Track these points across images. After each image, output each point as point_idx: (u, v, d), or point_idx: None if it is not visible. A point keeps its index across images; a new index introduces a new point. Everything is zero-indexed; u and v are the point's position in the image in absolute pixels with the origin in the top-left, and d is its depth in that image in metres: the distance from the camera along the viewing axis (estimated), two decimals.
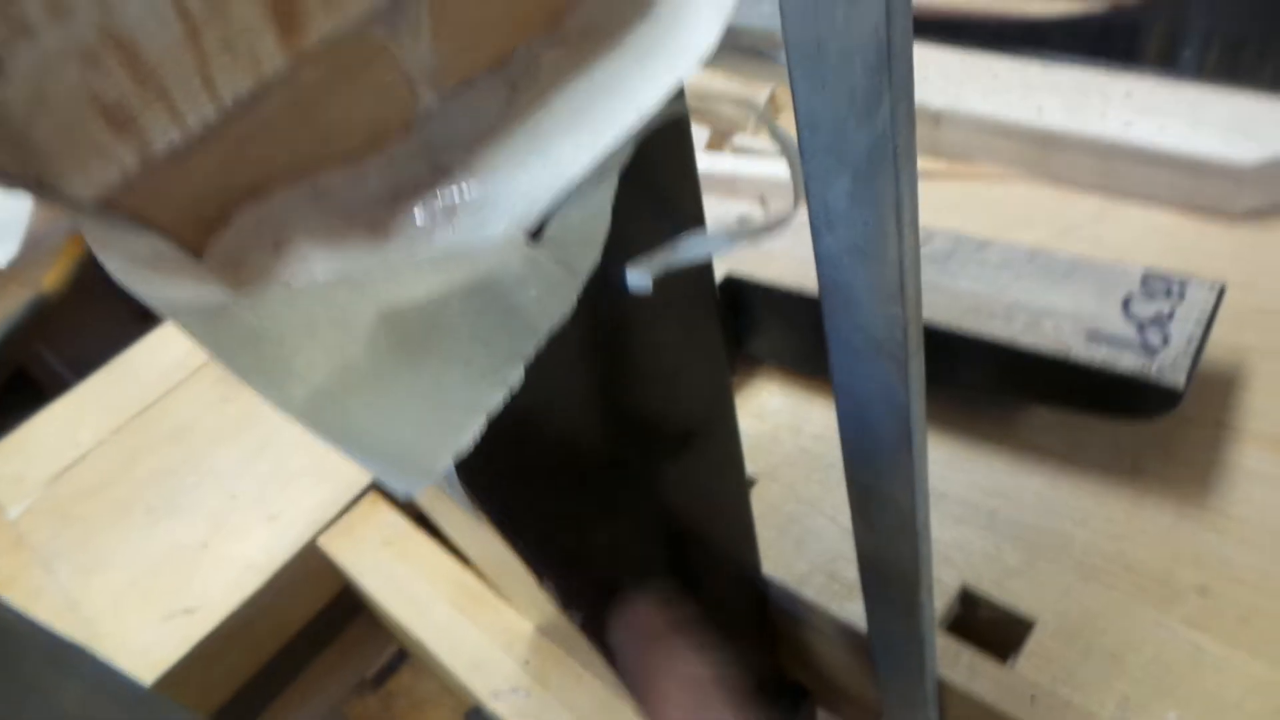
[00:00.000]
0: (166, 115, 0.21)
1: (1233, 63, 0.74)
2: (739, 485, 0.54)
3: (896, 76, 0.23)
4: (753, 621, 0.61)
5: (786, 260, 0.63)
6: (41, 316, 1.07)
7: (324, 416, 0.20)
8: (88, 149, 0.20)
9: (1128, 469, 0.55)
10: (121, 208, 0.21)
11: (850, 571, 0.56)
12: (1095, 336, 0.52)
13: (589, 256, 0.27)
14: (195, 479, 0.75)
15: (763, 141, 0.84)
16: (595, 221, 0.27)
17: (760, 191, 0.75)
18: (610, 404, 0.39)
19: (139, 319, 1.21)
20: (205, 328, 0.19)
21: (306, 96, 0.24)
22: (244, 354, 0.19)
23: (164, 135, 0.21)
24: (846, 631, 0.54)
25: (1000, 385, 0.56)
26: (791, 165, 0.32)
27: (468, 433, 0.22)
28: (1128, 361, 0.50)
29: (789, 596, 0.57)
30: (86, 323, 1.16)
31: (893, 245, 0.27)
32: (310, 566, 0.69)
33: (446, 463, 0.22)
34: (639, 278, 0.32)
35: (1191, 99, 0.69)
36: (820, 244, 0.29)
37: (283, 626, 0.70)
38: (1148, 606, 0.49)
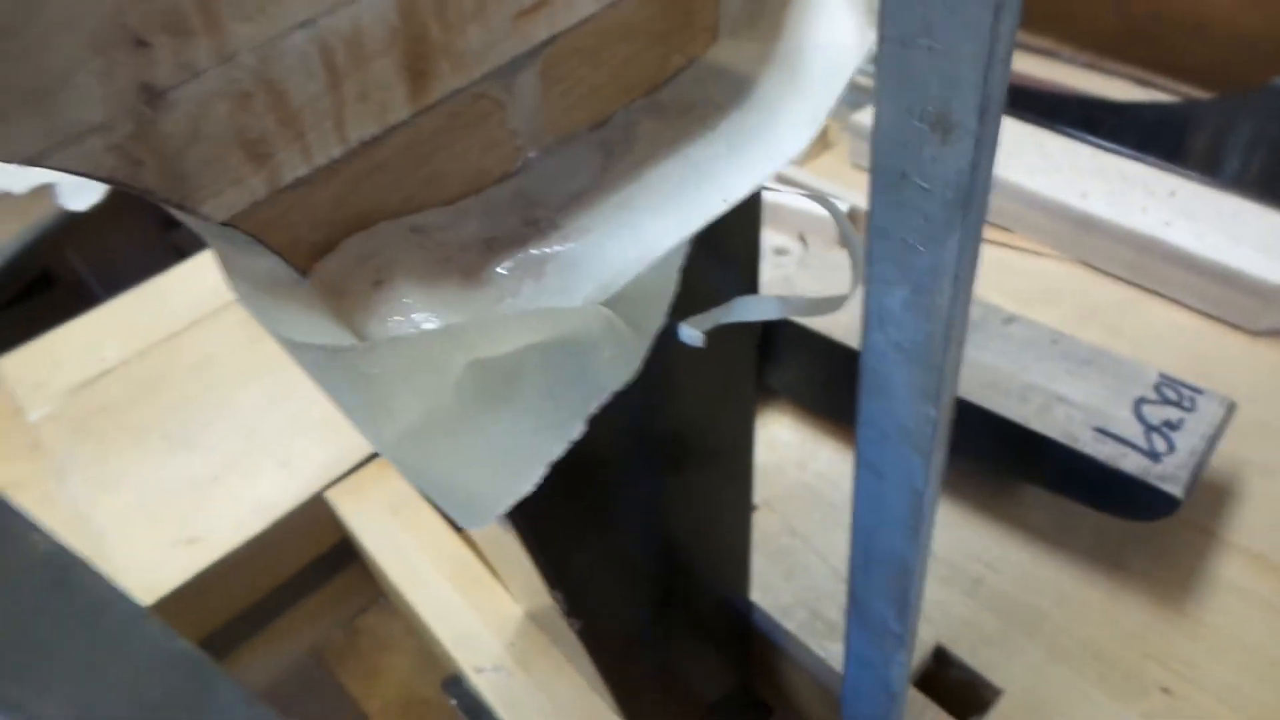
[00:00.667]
0: (299, 152, 0.23)
1: (1275, 177, 0.75)
2: (744, 512, 0.56)
3: (971, 215, 0.25)
4: (731, 638, 0.63)
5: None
6: (73, 222, 1.09)
7: (409, 454, 0.22)
8: (227, 178, 0.22)
9: (1112, 560, 0.57)
10: (244, 227, 0.23)
11: (833, 612, 0.58)
12: (1104, 432, 0.54)
13: (657, 317, 0.28)
14: (214, 414, 0.77)
15: (806, 174, 0.86)
16: (665, 283, 0.28)
17: (800, 227, 0.77)
18: (644, 434, 0.41)
19: (165, 232, 1.23)
20: (318, 365, 0.21)
21: (421, 142, 0.26)
22: (349, 393, 0.21)
23: (293, 170, 0.23)
24: (822, 669, 0.57)
25: (1004, 461, 0.58)
26: (852, 253, 0.34)
27: (530, 480, 0.24)
28: (1131, 462, 0.52)
29: (771, 624, 0.59)
30: (114, 233, 1.18)
31: (938, 354, 0.29)
32: (314, 516, 0.71)
33: (508, 505, 0.24)
34: (692, 334, 0.34)
35: (1232, 209, 0.70)
36: (869, 336, 0.31)
37: (279, 568, 0.72)
38: (1111, 697, 0.51)
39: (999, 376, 0.58)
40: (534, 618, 0.61)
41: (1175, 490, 0.50)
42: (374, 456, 0.73)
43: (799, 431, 0.68)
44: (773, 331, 0.66)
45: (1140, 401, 0.56)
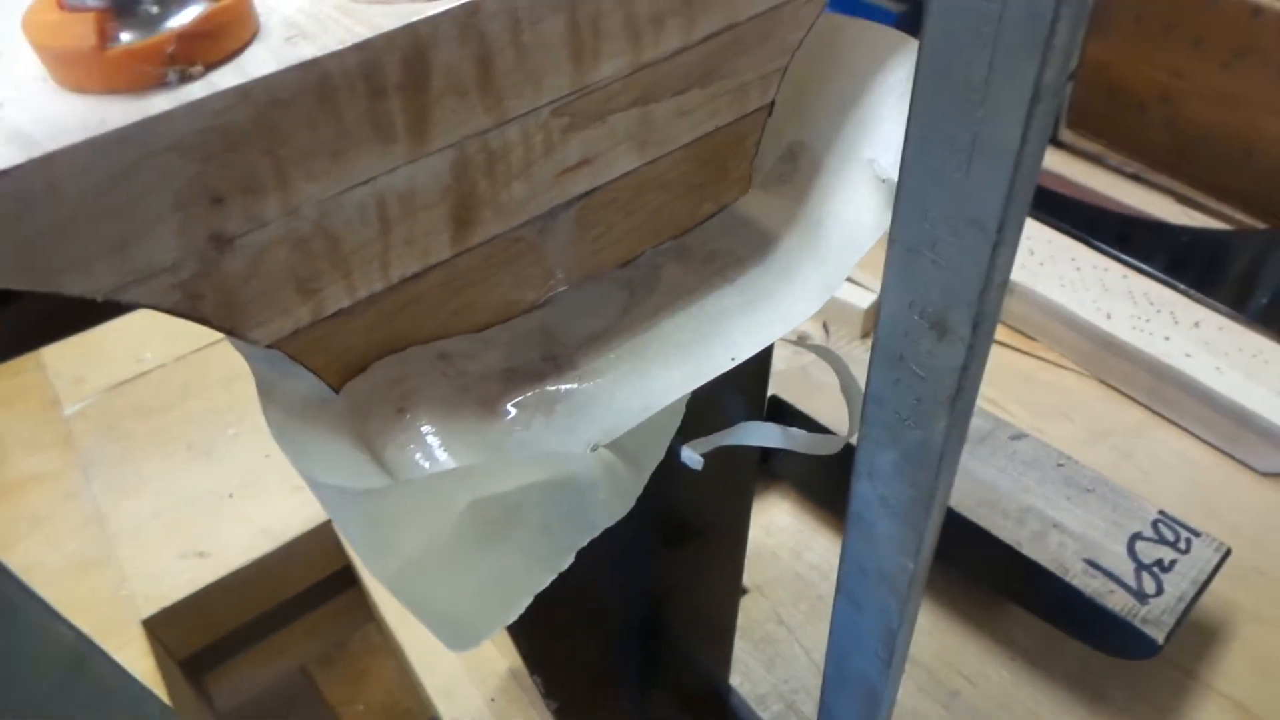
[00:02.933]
0: (344, 288, 0.25)
1: None
2: (733, 597, 0.58)
3: (959, 407, 0.26)
4: (710, 711, 0.64)
5: (829, 396, 0.66)
6: None
7: (405, 584, 0.24)
8: (277, 309, 0.24)
9: (1091, 690, 0.58)
10: (284, 349, 0.25)
11: (809, 706, 0.59)
12: (1095, 565, 0.55)
13: (656, 453, 0.30)
14: (236, 430, 0.80)
15: None
16: (668, 421, 0.30)
17: (824, 314, 0.78)
18: (637, 518, 0.42)
19: None
20: (332, 502, 0.23)
21: (457, 277, 0.28)
22: (358, 529, 0.23)
23: (337, 302, 0.25)
24: None
25: (992, 580, 0.59)
26: (849, 404, 0.35)
27: (516, 610, 0.26)
28: (1117, 600, 0.53)
29: (747, 710, 0.60)
30: None
31: (920, 517, 0.30)
32: (320, 542, 0.73)
33: (493, 632, 0.25)
34: (692, 457, 0.35)
35: (1255, 347, 0.71)
36: (858, 484, 0.33)
37: (280, 590, 0.75)
38: None
39: (998, 495, 0.59)
40: (515, 674, 0.62)
41: (1157, 635, 0.51)
42: None
43: (797, 518, 0.70)
44: (785, 419, 0.67)
45: (1136, 538, 0.56)
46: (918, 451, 0.29)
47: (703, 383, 0.28)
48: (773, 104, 0.32)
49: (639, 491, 0.29)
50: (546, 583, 0.26)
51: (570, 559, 0.27)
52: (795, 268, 0.30)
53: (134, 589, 0.67)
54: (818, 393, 0.67)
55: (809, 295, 0.30)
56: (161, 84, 0.20)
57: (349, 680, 1.42)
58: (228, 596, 0.70)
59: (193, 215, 0.21)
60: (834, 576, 0.65)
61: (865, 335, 0.82)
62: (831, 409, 0.65)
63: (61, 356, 0.87)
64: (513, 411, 0.27)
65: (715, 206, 0.33)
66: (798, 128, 0.32)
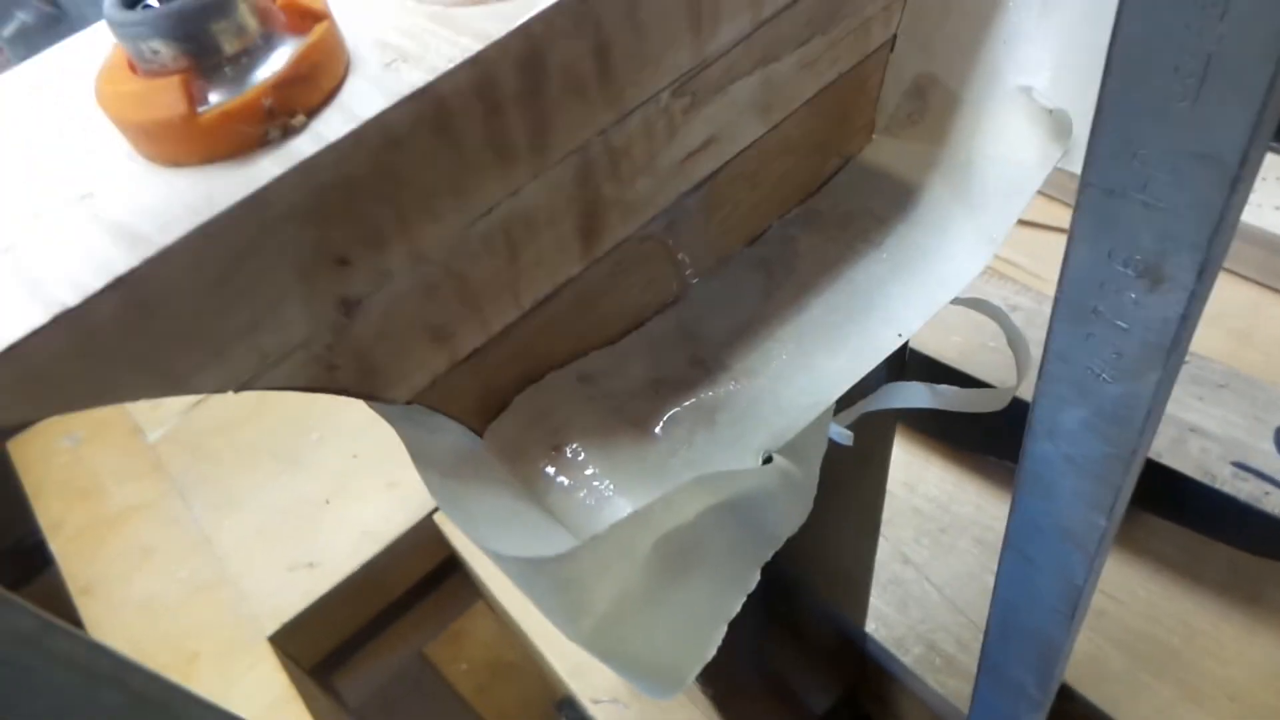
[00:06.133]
0: (478, 326, 0.23)
1: None
2: (870, 547, 0.55)
3: (1174, 359, 0.23)
4: (843, 661, 0.63)
5: (940, 329, 0.63)
6: None
7: (603, 641, 0.22)
8: (412, 364, 0.22)
9: (1246, 593, 0.55)
10: (424, 402, 0.23)
11: (950, 645, 0.58)
12: (1243, 467, 0.51)
13: (821, 444, 0.28)
14: (319, 434, 0.79)
15: None
16: (828, 412, 0.28)
17: None
18: None
19: None
20: (517, 571, 0.21)
21: (589, 290, 0.25)
22: (550, 596, 0.21)
23: (472, 343, 0.23)
24: (940, 703, 0.56)
25: (1135, 496, 0.56)
26: (1018, 355, 0.32)
27: (714, 643, 0.24)
28: (1274, 502, 0.50)
29: (887, 656, 0.59)
30: None
31: (1118, 474, 0.28)
32: (423, 538, 0.73)
33: (696, 672, 0.23)
34: (843, 433, 0.33)
35: None
36: (1034, 443, 0.30)
37: (390, 588, 0.75)
38: None
39: None
40: None
41: None
42: None
43: (907, 453, 0.67)
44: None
45: None
46: (1118, 408, 0.26)
47: (872, 367, 0.26)
48: (895, 37, 0.28)
49: (814, 491, 0.26)
50: (738, 606, 0.24)
51: (757, 576, 0.25)
52: (948, 222, 0.27)
53: (253, 607, 0.67)
54: (933, 328, 0.63)
55: (970, 250, 0.27)
56: (264, 143, 0.18)
57: (447, 641, 1.45)
58: (343, 603, 0.70)
59: (319, 283, 0.19)
60: (953, 508, 0.63)
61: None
62: (953, 341, 0.62)
63: None
64: (671, 429, 0.25)
65: (840, 160, 0.30)
66: (924, 60, 0.29)
